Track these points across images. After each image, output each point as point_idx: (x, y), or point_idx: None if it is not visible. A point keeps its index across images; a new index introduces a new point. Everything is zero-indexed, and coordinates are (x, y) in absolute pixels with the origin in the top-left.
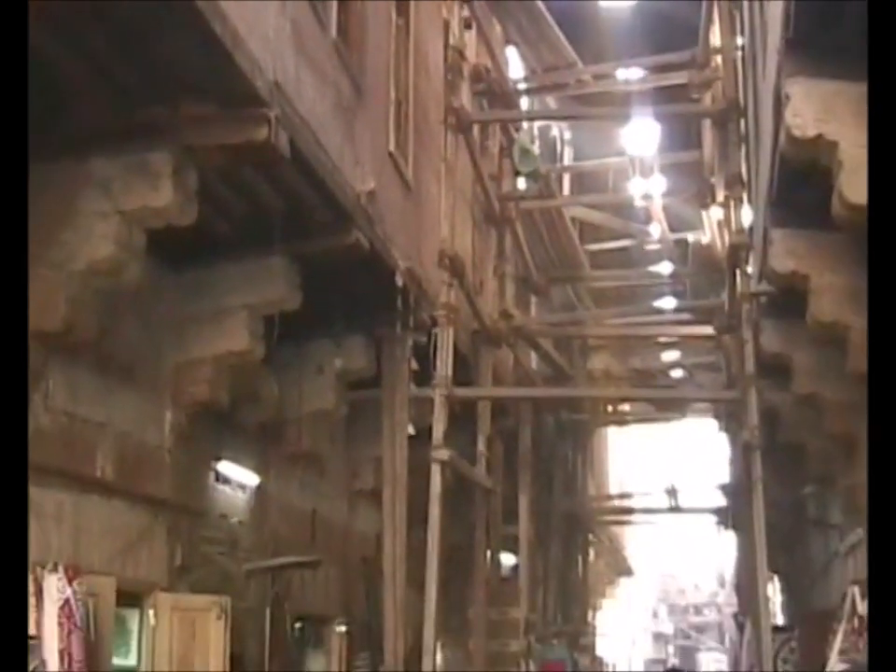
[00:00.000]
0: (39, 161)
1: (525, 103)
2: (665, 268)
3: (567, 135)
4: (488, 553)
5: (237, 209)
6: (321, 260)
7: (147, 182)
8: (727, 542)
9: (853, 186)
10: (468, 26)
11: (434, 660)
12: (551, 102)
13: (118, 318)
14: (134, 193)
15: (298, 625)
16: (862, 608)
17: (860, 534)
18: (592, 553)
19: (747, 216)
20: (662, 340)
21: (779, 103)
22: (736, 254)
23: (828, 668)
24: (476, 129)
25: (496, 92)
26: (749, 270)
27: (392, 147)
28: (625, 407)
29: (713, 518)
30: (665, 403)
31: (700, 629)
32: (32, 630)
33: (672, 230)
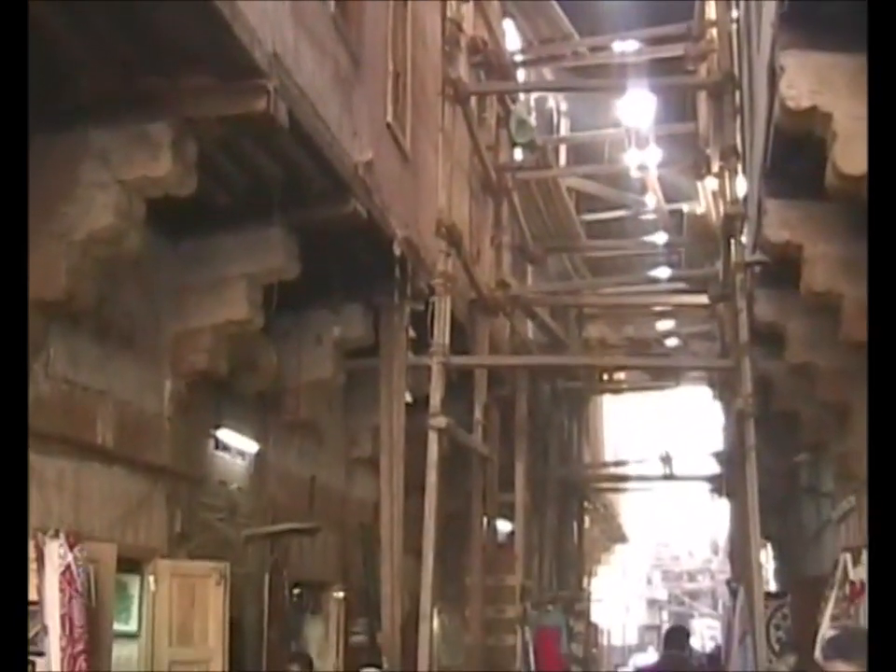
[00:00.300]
0: (39, 133)
1: (521, 74)
2: (660, 238)
3: (564, 107)
4: (484, 520)
5: (236, 179)
6: (319, 230)
7: (147, 153)
8: (721, 509)
9: (847, 157)
10: None
11: (431, 626)
12: (547, 73)
13: (118, 288)
14: (134, 164)
15: (296, 591)
16: (854, 574)
17: (852, 501)
18: (587, 519)
19: (741, 186)
20: (657, 309)
21: (774, 74)
22: (731, 224)
23: (820, 634)
24: (473, 100)
25: (493, 64)
26: (744, 240)
27: (390, 119)
28: (620, 375)
29: (707, 485)
30: (659, 372)
31: (693, 595)
32: (33, 596)
33: (667, 200)
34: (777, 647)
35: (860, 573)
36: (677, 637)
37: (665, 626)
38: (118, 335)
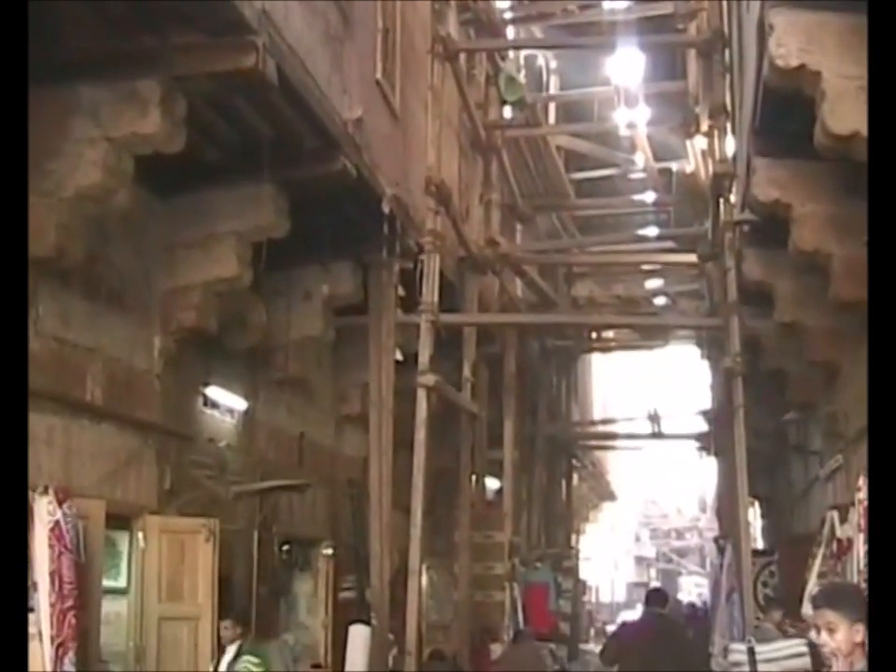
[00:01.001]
0: (28, 87)
1: (511, 32)
2: (649, 196)
3: (553, 65)
4: (473, 477)
5: (225, 136)
6: (309, 187)
7: (136, 109)
8: (709, 468)
9: (836, 115)
10: None
11: (420, 582)
12: (537, 31)
13: (107, 245)
14: (123, 120)
15: (285, 548)
16: (841, 532)
17: (839, 460)
18: (575, 477)
19: (730, 145)
20: (645, 267)
21: (763, 33)
22: (720, 183)
23: (807, 590)
24: (462, 57)
25: (482, 21)
26: (733, 198)
27: (379, 76)
28: (609, 334)
29: (695, 444)
30: (648, 330)
31: (681, 553)
32: None
33: (656, 159)
34: (763, 603)
35: (846, 531)
36: (656, 597)
37: (654, 584)
38: (107, 292)
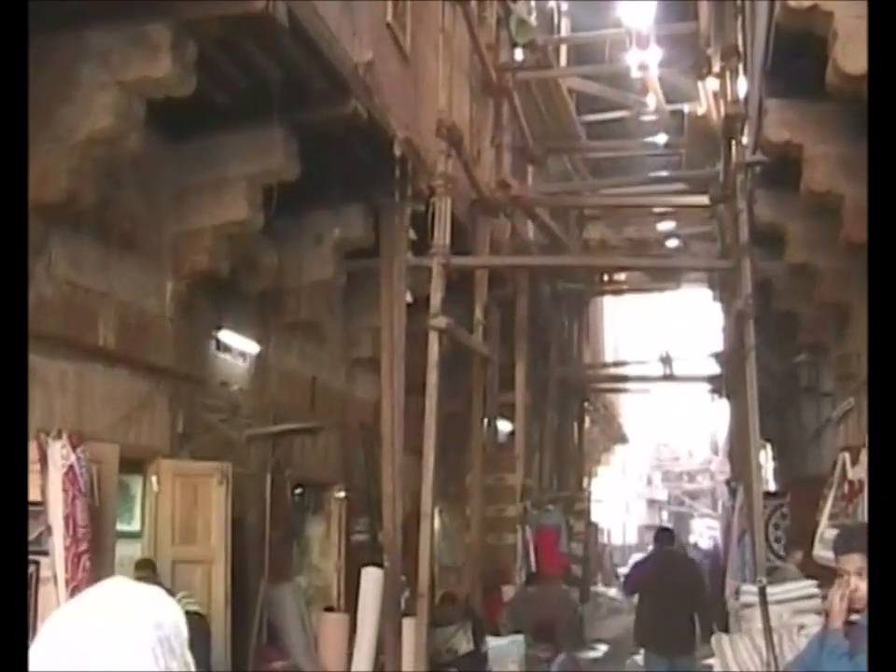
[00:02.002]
0: (38, 34)
1: None
2: (660, 139)
3: (564, 6)
4: (485, 420)
5: (236, 80)
6: (319, 131)
7: (146, 53)
8: (720, 410)
9: (848, 56)
10: None
11: (432, 525)
12: None
13: (118, 189)
14: (133, 65)
15: (298, 491)
16: (852, 473)
17: (851, 402)
18: (587, 420)
19: (742, 86)
20: (657, 210)
21: None
22: (731, 124)
23: (818, 532)
24: (473, 0)
25: None
26: (744, 140)
27: (390, 18)
28: (621, 276)
29: (707, 386)
30: (659, 273)
31: (693, 496)
32: (37, 497)
33: (668, 101)
34: (776, 545)
35: (858, 472)
36: (664, 536)
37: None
38: (119, 237)
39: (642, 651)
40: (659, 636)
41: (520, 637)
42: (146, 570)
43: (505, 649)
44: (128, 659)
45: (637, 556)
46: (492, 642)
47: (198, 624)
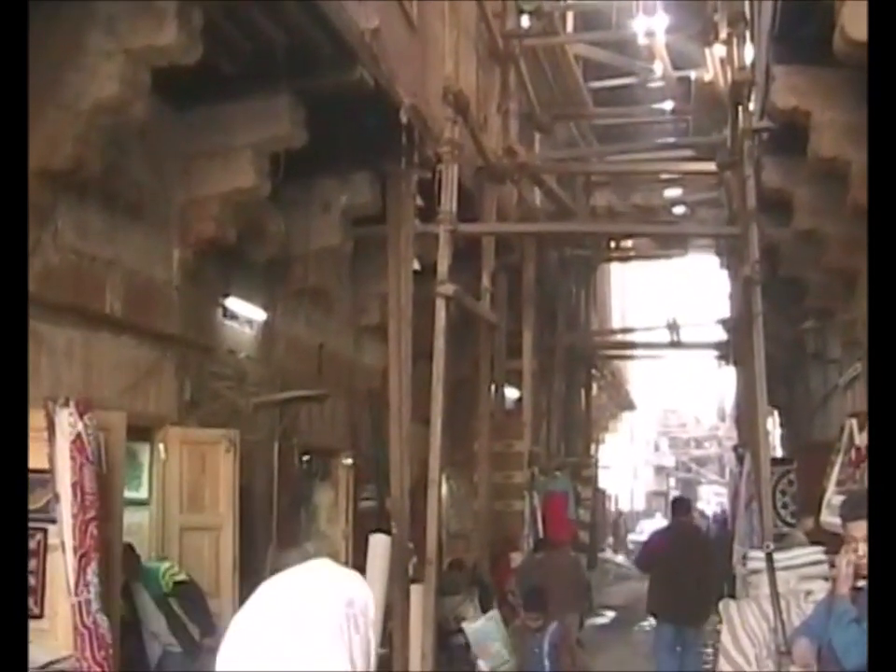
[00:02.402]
0: (44, 1)
1: None
2: (667, 105)
3: None
4: (492, 386)
5: (242, 47)
6: (326, 98)
7: (152, 21)
8: (728, 376)
9: (855, 21)
10: None
11: (439, 491)
12: None
13: (125, 157)
14: (139, 32)
15: (305, 458)
16: (860, 440)
17: (858, 368)
18: (594, 387)
19: (749, 53)
20: (664, 176)
21: None
22: (739, 91)
23: (825, 499)
24: None
25: None
26: (752, 106)
27: None
28: (628, 243)
29: (714, 353)
30: (666, 239)
31: (701, 462)
32: (44, 464)
33: (675, 67)
34: (783, 512)
35: (865, 438)
36: (682, 505)
37: (673, 493)
38: (125, 204)
39: (651, 618)
40: (671, 605)
41: (494, 613)
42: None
43: (483, 630)
44: (318, 630)
45: (644, 522)
46: (468, 627)
47: (192, 591)
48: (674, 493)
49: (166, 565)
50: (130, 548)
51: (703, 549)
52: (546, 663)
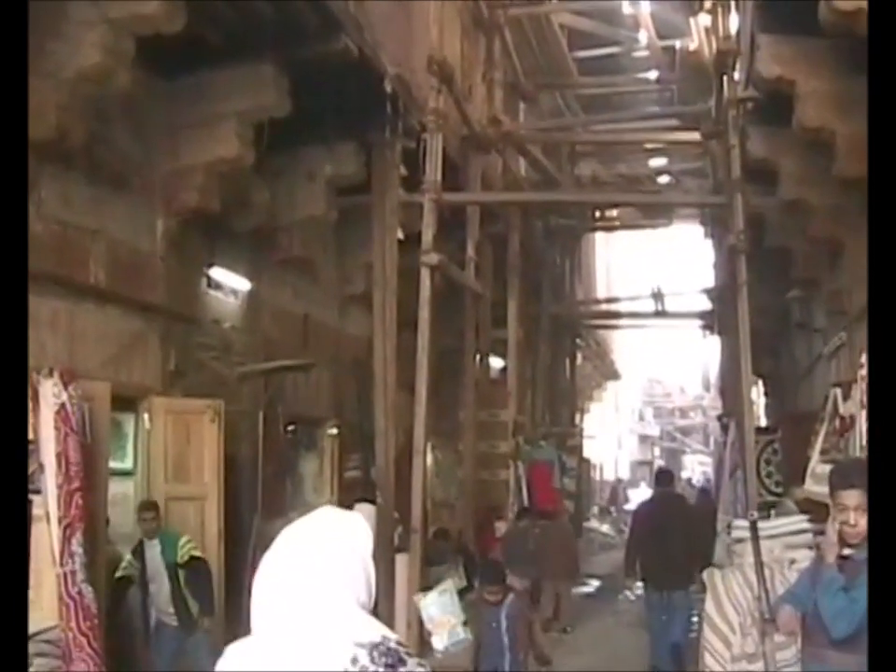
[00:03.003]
0: None
1: None
2: (652, 75)
3: None
4: (477, 356)
5: (226, 16)
6: (311, 67)
7: None
8: (712, 346)
9: None
10: None
11: (424, 461)
12: None
13: (109, 127)
14: (122, 1)
15: (290, 428)
16: (843, 409)
17: (843, 337)
18: (579, 356)
19: (734, 22)
20: (649, 146)
21: None
22: (724, 60)
23: (809, 467)
24: None
25: None
26: (736, 76)
27: None
28: (613, 213)
29: (699, 322)
30: (651, 209)
31: (685, 432)
32: (29, 435)
33: (660, 36)
34: (767, 481)
35: (849, 408)
36: (665, 477)
37: (657, 463)
38: (109, 174)
39: (635, 586)
40: (658, 571)
41: (448, 584)
42: (151, 512)
43: (437, 604)
44: (325, 568)
45: (630, 493)
46: (420, 602)
47: (204, 569)
48: (658, 462)
49: (187, 537)
50: (154, 505)
51: (686, 516)
52: (505, 639)
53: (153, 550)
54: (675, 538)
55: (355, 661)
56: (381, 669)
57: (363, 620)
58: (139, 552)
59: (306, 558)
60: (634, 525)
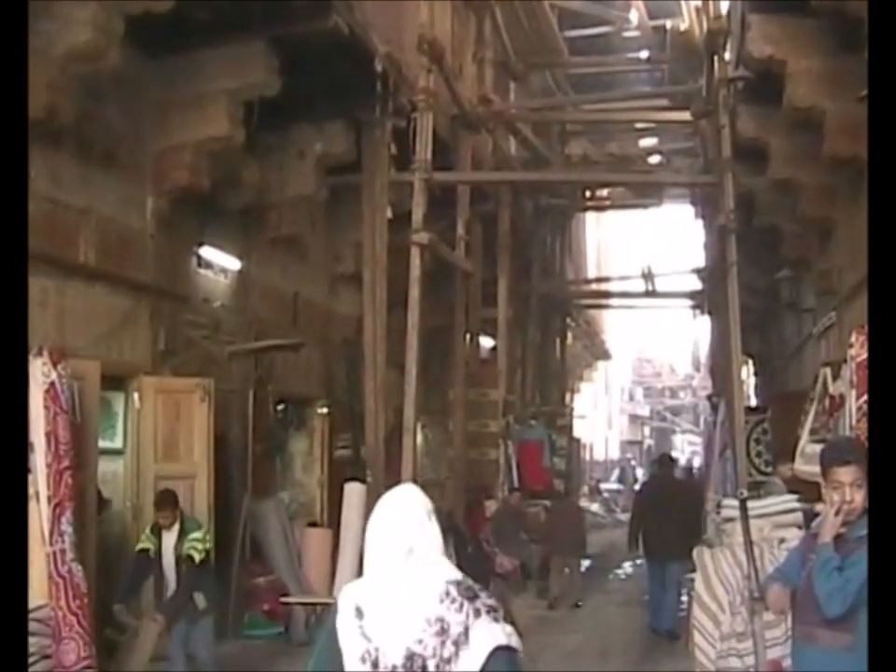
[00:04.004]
0: None
1: None
2: (643, 54)
3: None
4: (467, 335)
5: None
6: (301, 46)
7: None
8: (702, 326)
9: None
10: None
11: (414, 440)
12: None
13: (99, 105)
14: None
15: (280, 407)
16: (833, 388)
17: (832, 317)
18: (569, 336)
19: (725, 1)
20: (640, 125)
21: None
22: (714, 40)
23: (799, 447)
24: None
25: None
26: (727, 55)
27: None
28: (603, 192)
29: (689, 302)
30: (642, 188)
31: (675, 411)
32: None
33: (651, 16)
34: (757, 460)
35: (839, 387)
36: (665, 461)
37: (647, 442)
38: (99, 153)
39: (628, 563)
40: (658, 546)
41: None
42: (166, 511)
43: None
44: (419, 527)
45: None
46: None
47: (207, 569)
48: (648, 441)
49: (203, 533)
50: (170, 501)
51: (682, 496)
52: None
53: (169, 538)
54: (672, 516)
55: (447, 593)
56: (465, 600)
57: (447, 564)
58: (156, 530)
59: (406, 520)
60: (636, 504)
